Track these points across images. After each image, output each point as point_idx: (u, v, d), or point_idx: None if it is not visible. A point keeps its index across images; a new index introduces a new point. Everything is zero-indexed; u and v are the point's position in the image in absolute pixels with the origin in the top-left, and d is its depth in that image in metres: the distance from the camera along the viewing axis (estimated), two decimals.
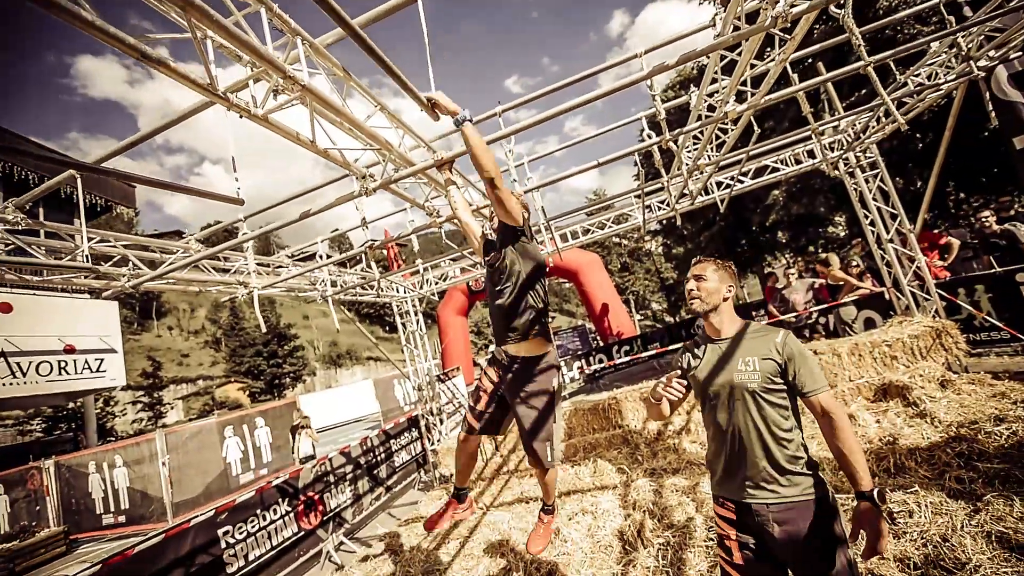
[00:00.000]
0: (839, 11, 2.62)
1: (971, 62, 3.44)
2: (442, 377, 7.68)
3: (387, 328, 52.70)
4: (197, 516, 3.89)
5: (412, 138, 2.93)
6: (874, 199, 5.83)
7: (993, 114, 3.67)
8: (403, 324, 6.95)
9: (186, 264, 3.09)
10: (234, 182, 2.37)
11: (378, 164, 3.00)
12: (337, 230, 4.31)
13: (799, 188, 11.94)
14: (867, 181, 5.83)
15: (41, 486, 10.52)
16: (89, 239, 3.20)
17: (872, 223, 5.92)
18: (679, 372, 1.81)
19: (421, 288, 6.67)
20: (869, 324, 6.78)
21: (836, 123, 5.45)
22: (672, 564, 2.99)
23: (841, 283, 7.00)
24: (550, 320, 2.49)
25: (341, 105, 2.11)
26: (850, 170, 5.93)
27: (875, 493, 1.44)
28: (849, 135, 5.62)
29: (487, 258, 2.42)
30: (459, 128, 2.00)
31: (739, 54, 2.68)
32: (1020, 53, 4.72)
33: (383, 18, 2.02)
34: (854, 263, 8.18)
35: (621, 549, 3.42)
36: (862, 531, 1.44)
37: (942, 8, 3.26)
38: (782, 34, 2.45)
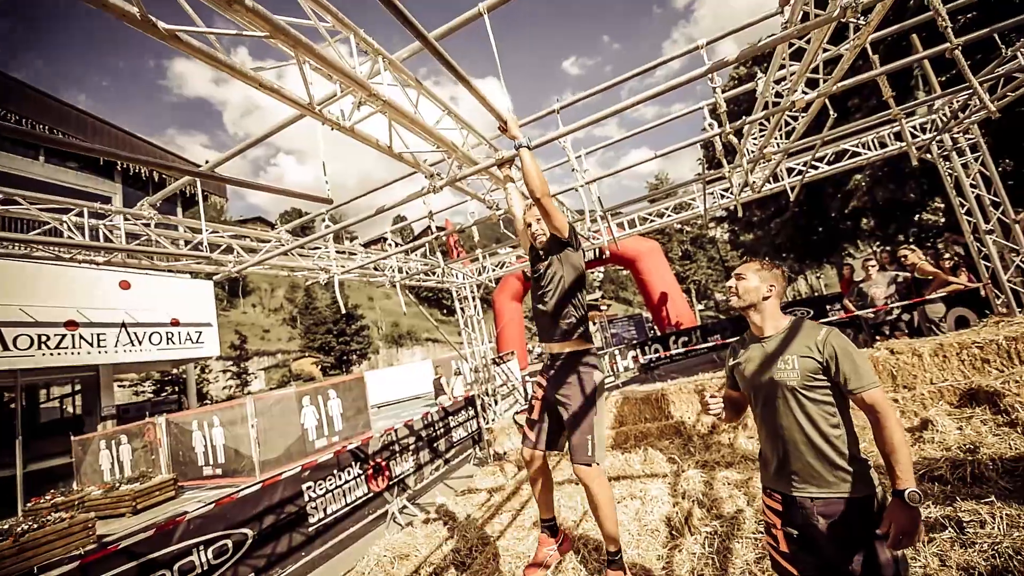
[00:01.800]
0: None
1: None
2: (497, 360, 8.01)
3: (444, 311, 54.58)
4: (285, 471, 4.46)
5: (475, 136, 3.12)
6: (972, 185, 5.27)
7: None
8: (462, 308, 7.31)
9: (280, 252, 3.56)
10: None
11: (443, 162, 3.23)
12: (404, 219, 4.61)
13: (886, 172, 10.81)
14: (965, 166, 5.27)
15: (155, 439, 12.23)
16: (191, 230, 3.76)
17: (969, 212, 5.37)
18: (731, 382, 1.92)
19: (479, 275, 6.96)
20: (961, 323, 6.18)
21: (930, 103, 4.97)
22: (718, 552, 3.05)
23: (930, 277, 6.41)
24: (591, 324, 2.66)
25: (414, 114, 2.33)
26: (945, 153, 5.39)
27: (907, 492, 1.46)
28: (945, 115, 5.10)
29: (534, 267, 2.56)
30: (517, 152, 2.16)
31: (807, 42, 2.60)
32: None
33: (454, 32, 2.21)
34: (947, 255, 7.42)
35: (668, 534, 3.52)
36: (890, 525, 1.46)
37: None
38: (856, 20, 2.36)
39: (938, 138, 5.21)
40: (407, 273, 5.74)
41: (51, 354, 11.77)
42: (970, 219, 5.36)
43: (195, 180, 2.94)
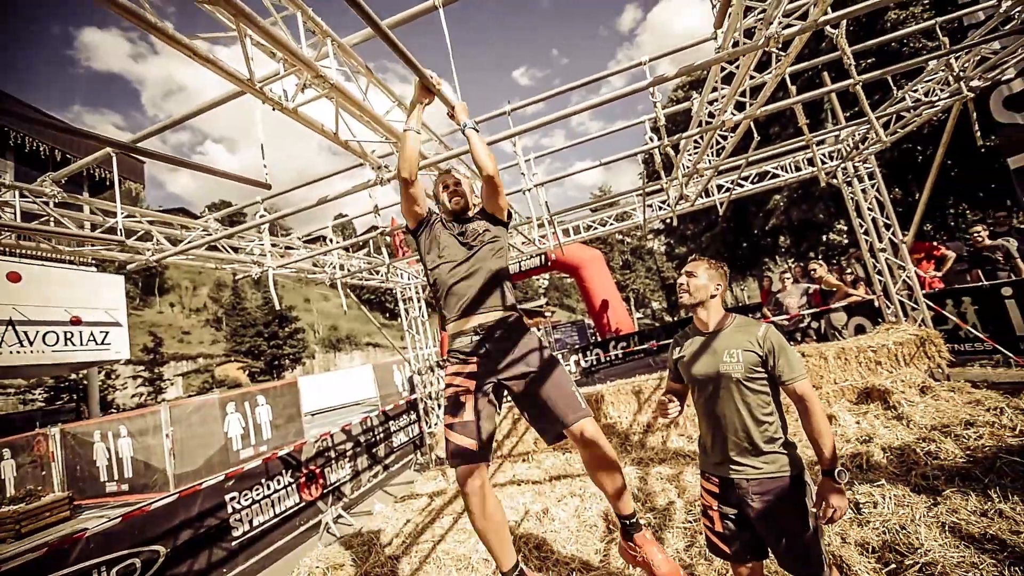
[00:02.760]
0: (834, 31, 2.77)
1: (962, 83, 3.59)
2: (441, 364, 7.90)
3: (387, 315, 52.99)
4: (207, 481, 4.11)
5: (425, 132, 3.09)
6: (869, 209, 5.99)
7: (978, 134, 3.82)
8: (406, 310, 7.15)
9: (207, 242, 3.27)
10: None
11: (392, 155, 3.16)
12: (345, 215, 4.44)
13: (800, 194, 12.06)
14: (864, 191, 5.98)
15: (46, 452, 10.80)
16: (107, 214, 3.39)
17: (867, 232, 6.08)
18: (673, 375, 2.02)
19: (425, 275, 6.85)
20: (859, 330, 6.96)
21: (836, 133, 5.59)
22: None
23: (834, 289, 7.17)
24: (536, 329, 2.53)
25: (363, 101, 2.27)
26: (848, 179, 6.08)
27: (835, 472, 1.65)
28: (849, 144, 5.76)
29: (460, 228, 2.22)
30: (464, 133, 2.11)
31: (737, 67, 2.84)
32: (1015, 76, 4.87)
33: (407, 22, 2.19)
34: (848, 270, 8.35)
35: (605, 528, 3.64)
36: (823, 501, 1.65)
37: (937, 30, 3.40)
38: (778, 51, 2.61)
39: (843, 165, 5.87)
40: (348, 271, 5.52)
41: None
42: (867, 238, 6.06)
43: (110, 156, 2.66)
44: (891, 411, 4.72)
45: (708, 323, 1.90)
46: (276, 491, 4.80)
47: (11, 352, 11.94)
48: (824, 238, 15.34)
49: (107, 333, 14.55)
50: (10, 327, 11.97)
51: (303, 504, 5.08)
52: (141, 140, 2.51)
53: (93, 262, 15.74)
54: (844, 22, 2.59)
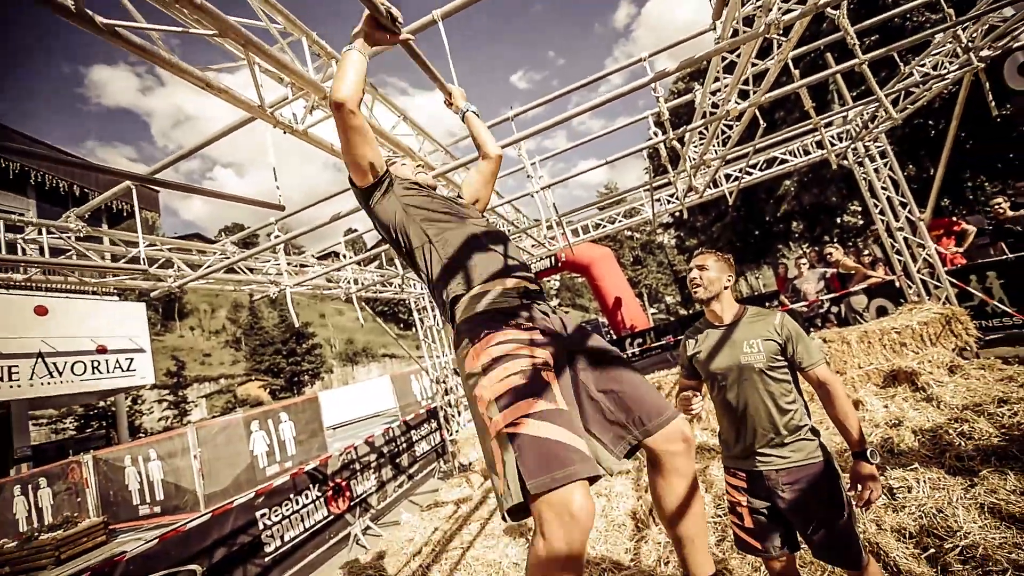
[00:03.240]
0: (835, 12, 2.75)
1: (971, 53, 3.53)
2: (456, 371, 7.94)
3: (401, 325, 53.38)
4: (238, 499, 4.19)
5: (430, 143, 3.14)
6: (883, 188, 5.88)
7: (992, 104, 3.74)
8: (420, 320, 7.21)
9: (225, 266, 3.36)
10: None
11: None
12: (355, 230, 4.48)
13: (811, 178, 11.88)
14: (876, 171, 5.87)
15: (80, 479, 11.07)
16: (123, 243, 3.50)
17: (882, 212, 5.97)
18: (688, 372, 1.98)
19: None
20: (881, 312, 6.82)
21: (844, 114, 5.51)
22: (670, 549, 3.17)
23: (852, 272, 7.04)
24: None
25: (370, 117, 2.32)
26: (859, 159, 5.98)
27: (868, 452, 1.64)
28: (857, 125, 5.68)
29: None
30: (465, 118, 1.97)
31: (738, 56, 2.83)
32: None
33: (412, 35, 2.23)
34: (866, 252, 8.19)
35: (634, 527, 3.61)
36: (858, 484, 1.64)
37: (942, 1, 3.34)
38: (779, 37, 2.59)
39: (852, 145, 5.78)
40: (363, 285, 5.60)
41: None
42: (883, 218, 5.95)
43: (130, 189, 2.75)
44: (920, 393, 4.61)
45: (723, 316, 1.88)
46: (304, 506, 4.86)
47: (42, 383, 12.33)
48: (838, 220, 15.08)
49: (132, 360, 14.93)
50: (40, 359, 12.36)
51: (331, 517, 5.13)
52: (157, 172, 2.59)
53: (116, 291, 16.20)
54: (844, 2, 2.56)
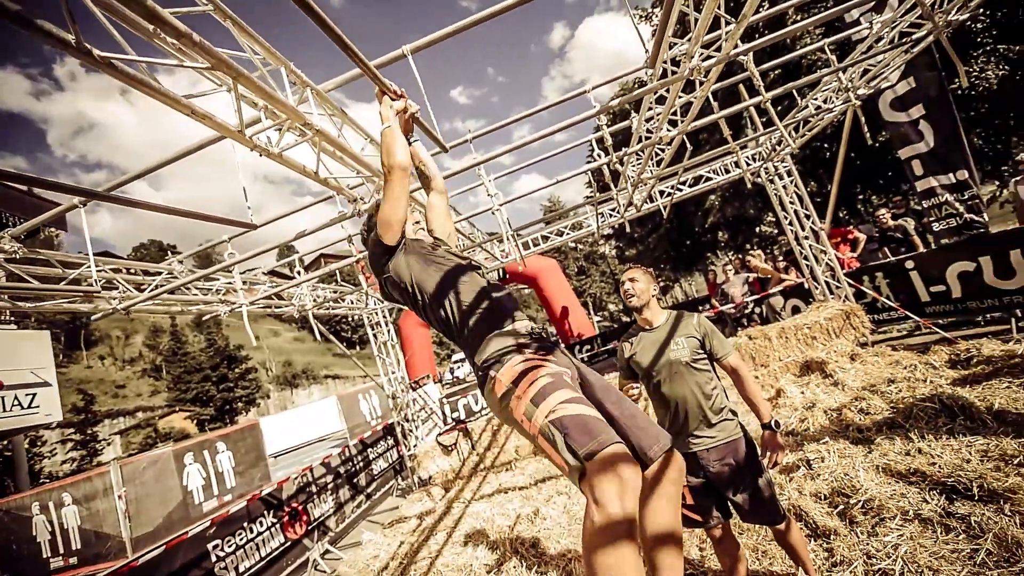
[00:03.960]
0: (744, 57, 3.25)
1: (851, 92, 4.26)
2: (413, 386, 7.92)
3: (344, 343, 51.33)
4: (191, 529, 3.97)
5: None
6: (791, 202, 6.73)
7: (867, 134, 4.51)
8: (374, 335, 7.16)
9: (178, 286, 3.24)
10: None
11: (362, 185, 3.33)
12: (293, 248, 4.33)
13: (732, 193, 13.19)
14: (784, 187, 6.72)
15: None
16: (68, 264, 3.30)
17: (790, 223, 6.82)
18: (626, 373, 2.27)
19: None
20: (795, 311, 7.72)
21: (756, 139, 6.28)
22: None
23: (768, 276, 7.92)
24: None
25: (341, 141, 2.46)
26: (770, 177, 6.82)
27: (773, 422, 2.01)
28: (767, 148, 6.48)
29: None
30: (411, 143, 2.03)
31: (667, 91, 3.25)
32: (897, 81, 5.73)
33: (380, 68, 2.40)
34: (780, 258, 9.22)
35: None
36: (767, 450, 2.02)
37: (826, 49, 4.02)
38: (701, 78, 3.03)
39: (764, 165, 6.58)
40: (316, 302, 5.52)
41: None
42: (791, 228, 6.79)
43: (78, 205, 2.65)
44: (828, 379, 5.31)
45: (652, 320, 2.20)
46: (260, 533, 4.68)
47: None
48: (757, 230, 16.72)
49: (34, 395, 13.29)
50: None
51: (288, 543, 4.97)
52: (117, 187, 2.55)
53: (12, 319, 14.44)
54: (751, 53, 3.06)
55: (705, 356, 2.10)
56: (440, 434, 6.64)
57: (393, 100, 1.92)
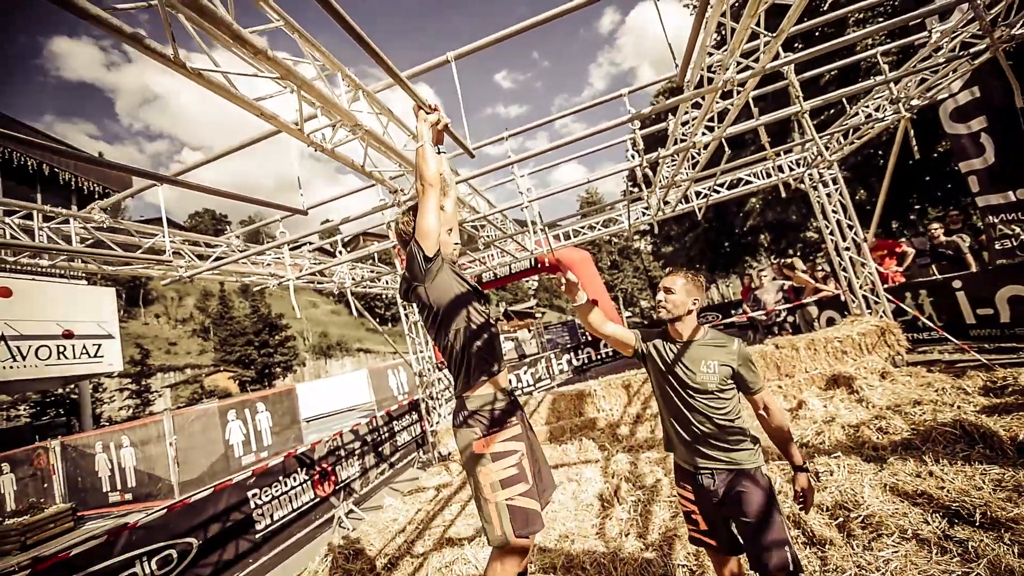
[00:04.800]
0: (785, 67, 3.24)
1: (900, 104, 4.11)
2: (439, 366, 8.26)
3: (378, 319, 52.96)
4: (235, 477, 4.43)
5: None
6: (833, 211, 6.53)
7: (915, 149, 4.33)
8: (406, 315, 7.51)
9: (236, 260, 3.62)
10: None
11: (402, 176, 3.56)
12: (351, 218, 4.54)
13: (774, 197, 12.71)
14: (828, 195, 6.52)
15: (47, 465, 10.88)
16: (135, 234, 3.72)
17: (832, 232, 6.62)
18: (639, 354, 2.10)
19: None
20: (830, 322, 7.51)
21: (799, 145, 6.11)
22: (641, 515, 3.63)
23: (804, 285, 7.72)
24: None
25: (386, 139, 2.68)
26: (814, 185, 6.62)
27: (805, 465, 1.90)
28: (813, 153, 6.29)
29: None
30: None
31: (703, 97, 3.29)
32: (959, 91, 5.43)
33: (424, 73, 2.60)
34: (820, 267, 8.93)
35: (600, 507, 4.05)
36: (799, 492, 1.86)
37: (879, 58, 3.90)
38: (737, 87, 3.06)
39: (808, 172, 6.40)
40: (355, 280, 5.87)
41: None
42: (832, 238, 6.60)
43: (156, 185, 3.01)
44: (854, 395, 5.22)
45: (683, 334, 1.98)
46: (293, 488, 5.13)
47: (4, 367, 12.00)
48: (802, 235, 16.07)
49: (100, 346, 14.60)
50: (2, 342, 12.01)
51: (317, 500, 5.41)
52: (186, 172, 2.87)
53: (84, 276, 15.82)
54: (792, 65, 3.05)
55: (734, 386, 1.93)
56: None
57: (428, 114, 2.05)
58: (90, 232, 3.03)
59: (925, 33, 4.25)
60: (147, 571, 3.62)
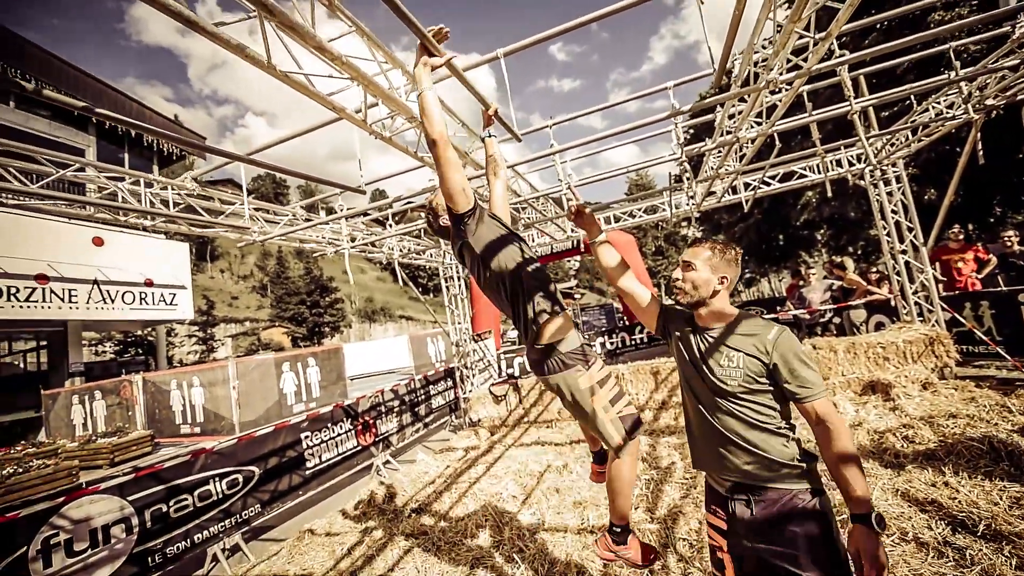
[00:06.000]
0: (839, 60, 3.18)
1: (969, 105, 3.86)
2: (475, 338, 8.68)
3: (420, 289, 54.78)
4: (291, 419, 5.03)
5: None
6: (893, 211, 6.21)
7: (980, 154, 4.06)
8: (447, 287, 7.91)
9: (304, 228, 4.06)
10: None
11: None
12: (402, 197, 4.86)
13: (831, 191, 11.95)
14: (889, 194, 6.19)
15: (131, 396, 12.40)
16: (199, 198, 4.22)
17: (888, 233, 6.32)
18: (653, 304, 1.82)
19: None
20: (879, 327, 7.21)
21: (858, 142, 5.82)
22: (652, 492, 3.86)
23: (854, 287, 7.42)
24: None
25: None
26: (875, 182, 6.30)
27: (872, 516, 1.27)
28: (876, 148, 5.98)
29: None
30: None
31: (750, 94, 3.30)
32: None
33: (475, 67, 2.81)
34: (875, 269, 8.50)
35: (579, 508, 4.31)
36: (857, 554, 1.28)
37: (951, 54, 3.69)
38: (784, 86, 3.07)
39: (868, 168, 6.09)
40: (402, 251, 6.28)
41: (20, 307, 11.77)
42: (889, 240, 6.30)
43: (238, 161, 3.43)
44: (889, 403, 5.12)
45: (709, 321, 1.58)
46: (339, 435, 5.72)
47: (97, 308, 13.59)
48: (864, 233, 15.09)
49: (175, 295, 16.17)
50: (96, 286, 13.59)
51: (359, 448, 6.00)
52: (261, 151, 3.26)
53: (162, 231, 17.40)
54: (846, 67, 3.00)
55: (770, 388, 1.42)
56: (493, 384, 7.35)
57: (431, 57, 1.95)
58: (182, 197, 3.52)
59: (1006, 28, 3.96)
60: (218, 490, 4.27)
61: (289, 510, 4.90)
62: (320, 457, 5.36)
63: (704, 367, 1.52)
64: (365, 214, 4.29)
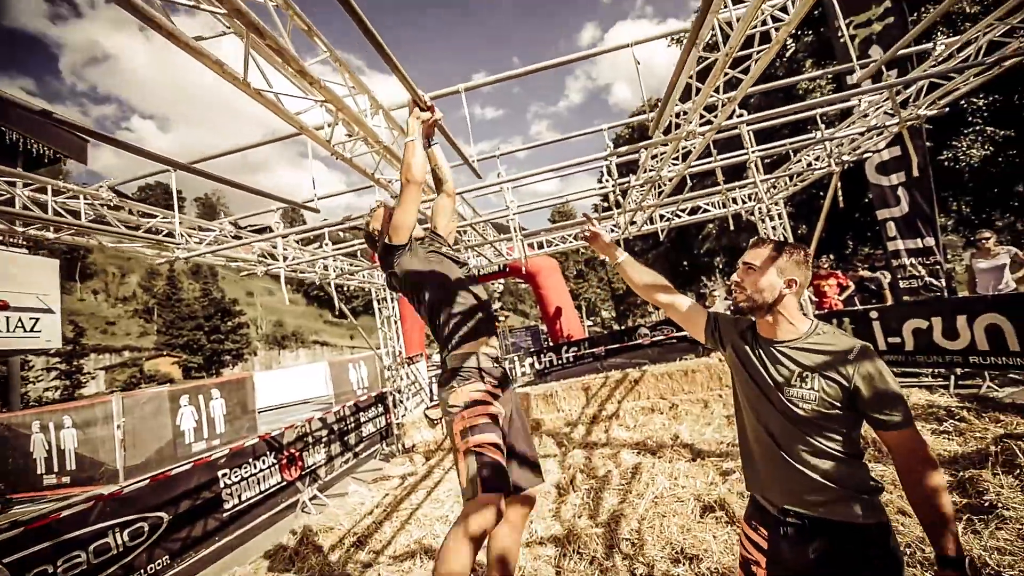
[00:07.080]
0: (740, 119, 3.82)
1: (832, 159, 4.85)
2: (406, 361, 8.51)
3: (336, 313, 51.86)
4: (210, 455, 4.56)
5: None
6: None
7: (841, 199, 5.08)
8: (379, 309, 7.72)
9: (237, 245, 3.79)
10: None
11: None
12: (349, 216, 4.59)
13: (728, 225, 13.89)
14: (774, 228, 7.32)
15: None
16: (138, 213, 3.84)
17: None
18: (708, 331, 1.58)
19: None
20: None
21: (751, 183, 6.88)
22: (593, 500, 4.09)
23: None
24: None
25: (396, 150, 3.02)
26: (762, 217, 7.41)
27: (964, 560, 1.14)
28: (762, 190, 7.08)
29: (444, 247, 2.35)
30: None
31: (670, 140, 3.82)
32: (883, 148, 6.32)
33: (438, 98, 2.97)
34: None
35: (557, 494, 4.49)
36: None
37: (818, 119, 4.60)
38: (699, 131, 3.60)
39: (758, 205, 7.17)
40: (335, 272, 6.07)
41: None
42: None
43: (169, 169, 3.19)
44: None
45: (775, 331, 1.39)
46: (261, 470, 5.27)
47: None
48: None
49: (37, 320, 13.75)
50: None
51: (284, 483, 5.56)
52: (202, 161, 3.10)
53: (24, 244, 14.88)
54: (745, 124, 3.63)
55: (846, 413, 1.26)
56: (428, 408, 7.24)
57: (422, 111, 2.25)
58: (95, 208, 3.16)
59: (856, 101, 5.04)
60: (119, 542, 3.73)
61: (204, 559, 4.38)
62: (240, 497, 4.90)
63: (772, 388, 1.34)
64: (313, 231, 4.14)
